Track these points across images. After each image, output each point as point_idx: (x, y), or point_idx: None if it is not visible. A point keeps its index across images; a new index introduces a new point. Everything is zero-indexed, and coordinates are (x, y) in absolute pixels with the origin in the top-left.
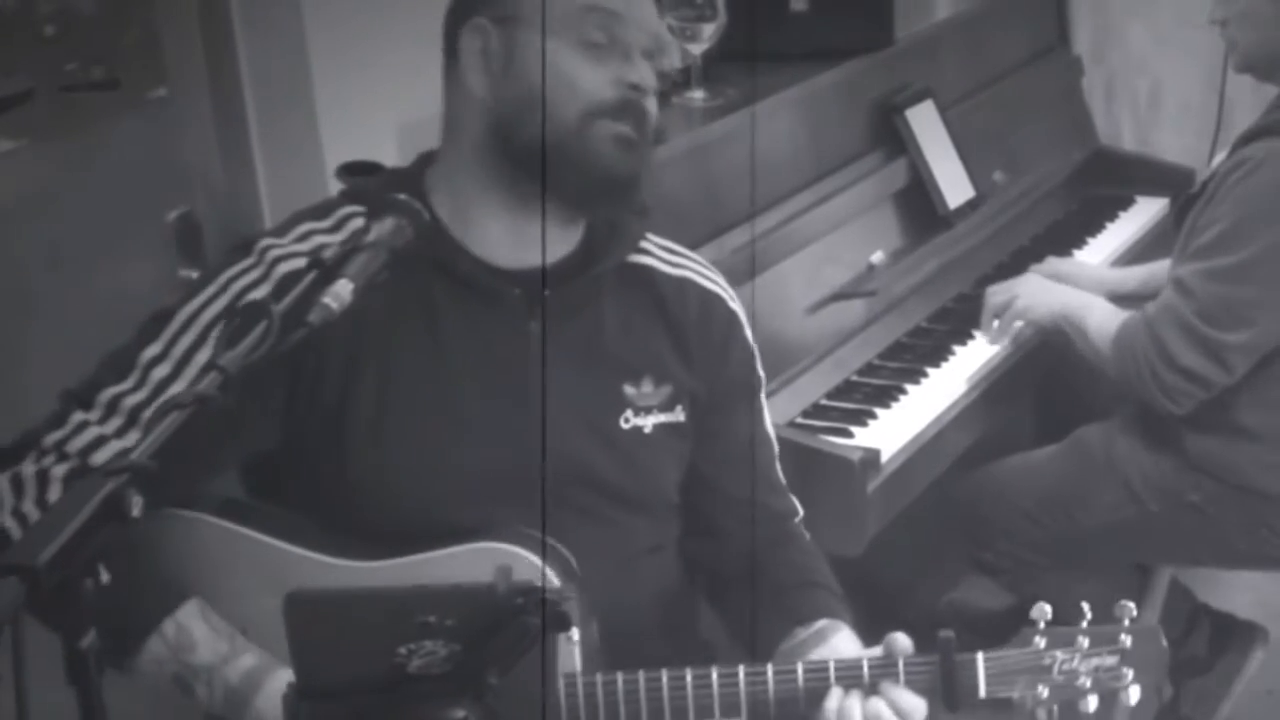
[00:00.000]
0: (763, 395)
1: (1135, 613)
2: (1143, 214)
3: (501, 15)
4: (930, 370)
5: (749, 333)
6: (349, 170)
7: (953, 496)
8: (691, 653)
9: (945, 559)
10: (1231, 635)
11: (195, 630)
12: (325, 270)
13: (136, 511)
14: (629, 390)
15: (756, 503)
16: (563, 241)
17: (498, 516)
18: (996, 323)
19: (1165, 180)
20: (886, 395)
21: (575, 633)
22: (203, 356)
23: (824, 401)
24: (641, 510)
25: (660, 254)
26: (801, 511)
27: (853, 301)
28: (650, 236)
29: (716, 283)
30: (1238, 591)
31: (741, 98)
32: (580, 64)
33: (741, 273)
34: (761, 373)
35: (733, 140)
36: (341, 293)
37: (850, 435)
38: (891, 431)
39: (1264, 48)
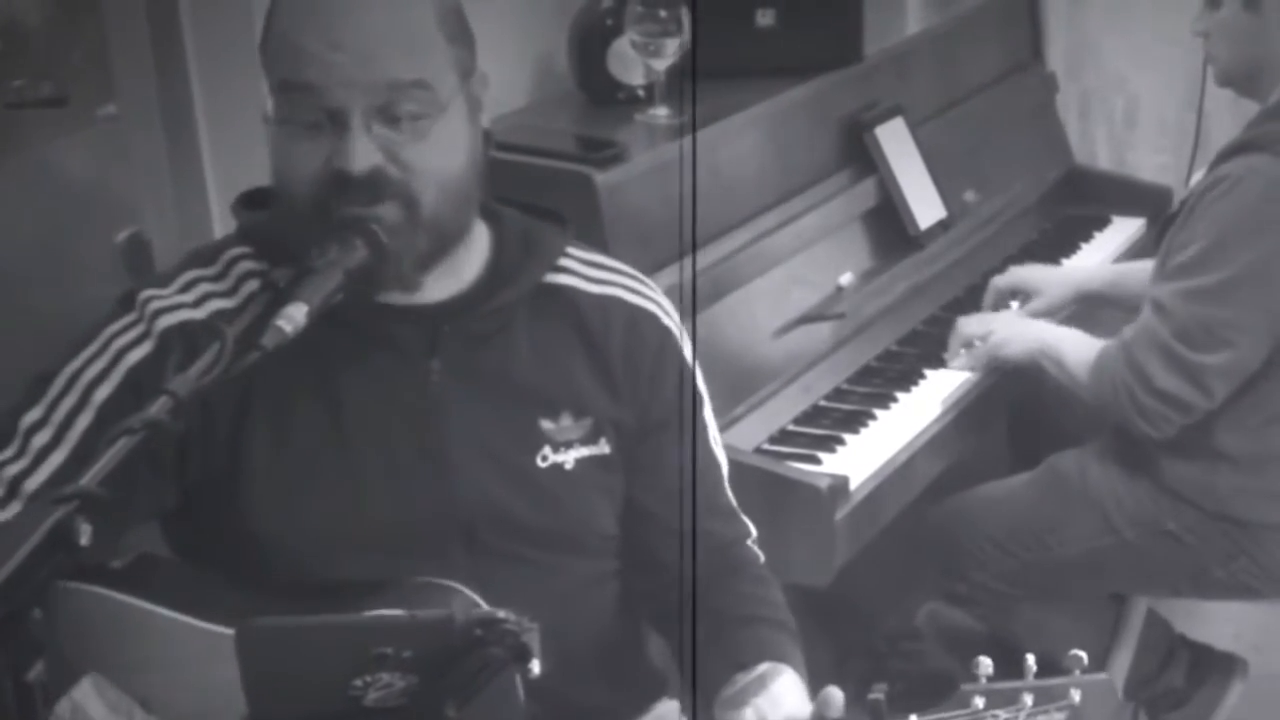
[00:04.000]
0: (706, 413)
1: (1085, 662)
2: (1119, 234)
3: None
4: (900, 395)
5: (687, 349)
6: (247, 201)
7: (923, 525)
8: (642, 684)
9: (916, 590)
10: (1210, 667)
11: (91, 708)
12: (279, 292)
13: (85, 540)
14: (546, 425)
15: (700, 531)
16: (463, 268)
17: (408, 568)
18: (964, 352)
19: (1141, 200)
20: (855, 421)
21: (536, 664)
22: (85, 420)
23: (791, 427)
24: (570, 549)
25: (583, 270)
26: (754, 533)
27: (821, 325)
28: (573, 251)
29: (648, 297)
30: (1216, 622)
31: (707, 115)
32: (290, 147)
33: (706, 295)
34: (703, 389)
35: (697, 158)
36: (295, 315)
37: (818, 462)
38: (860, 458)
39: (1242, 61)
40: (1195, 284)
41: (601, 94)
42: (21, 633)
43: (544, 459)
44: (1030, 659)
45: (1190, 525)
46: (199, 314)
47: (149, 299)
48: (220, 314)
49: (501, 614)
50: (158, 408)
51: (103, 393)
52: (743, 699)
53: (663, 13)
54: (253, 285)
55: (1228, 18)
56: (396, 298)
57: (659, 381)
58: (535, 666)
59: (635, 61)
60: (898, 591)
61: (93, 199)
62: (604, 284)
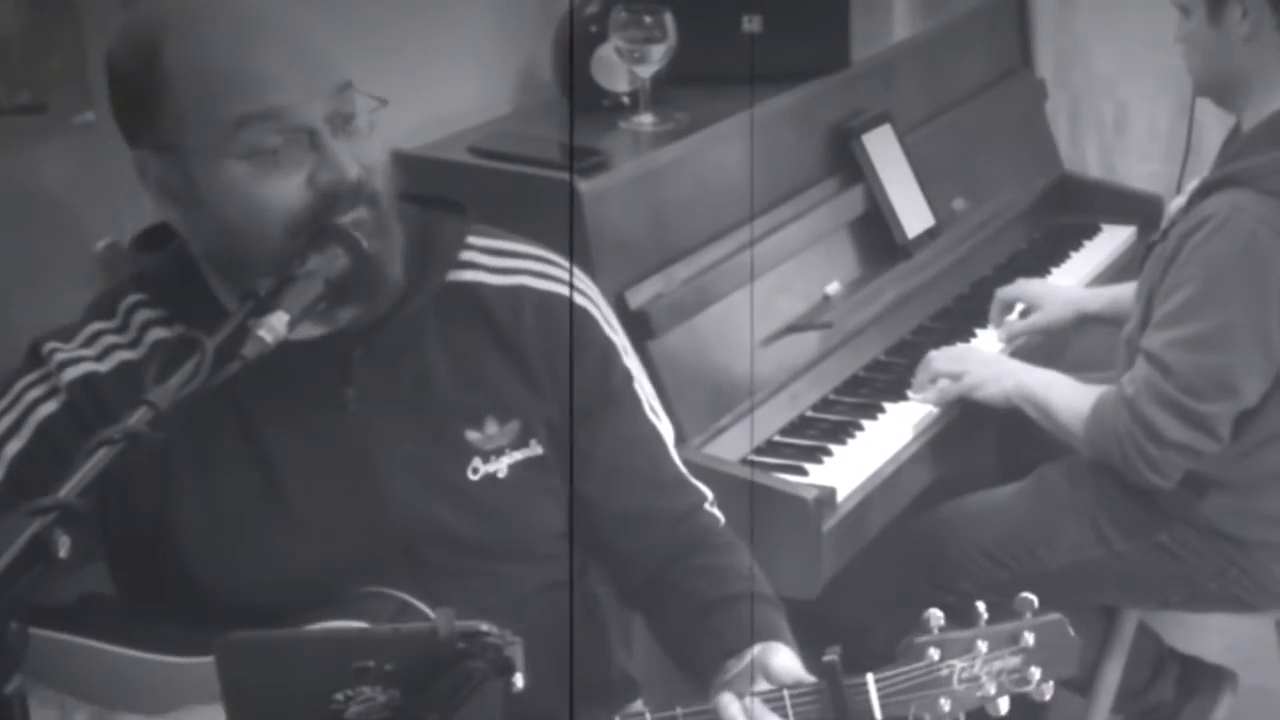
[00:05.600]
0: (637, 387)
1: (1036, 604)
2: (1108, 242)
3: (162, 145)
4: (888, 405)
5: (607, 326)
6: (143, 242)
7: (912, 536)
8: (611, 689)
9: (904, 602)
10: (1200, 679)
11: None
12: (260, 301)
13: (64, 552)
14: (472, 436)
15: (649, 511)
16: None
17: (350, 592)
18: (931, 386)
19: (1131, 208)
20: (842, 431)
21: (519, 678)
22: None
23: (777, 438)
24: (519, 557)
25: (487, 261)
26: (709, 495)
27: (807, 334)
28: (474, 241)
29: (557, 279)
30: (1206, 634)
31: (691, 122)
32: (260, 180)
33: (690, 305)
34: (631, 363)
35: (682, 166)
36: (277, 325)
37: (805, 473)
38: (848, 469)
39: (1210, 74)
40: (1192, 332)
41: (586, 101)
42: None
43: (475, 471)
44: (981, 606)
45: (1182, 538)
46: (103, 367)
47: (52, 351)
48: (125, 364)
49: (485, 627)
50: (137, 418)
51: (13, 448)
52: (743, 686)
53: (647, 19)
54: (155, 334)
55: (1195, 30)
56: (302, 331)
57: (580, 366)
58: (519, 680)
59: (620, 68)
60: (886, 603)
61: (71, 207)
62: (510, 273)
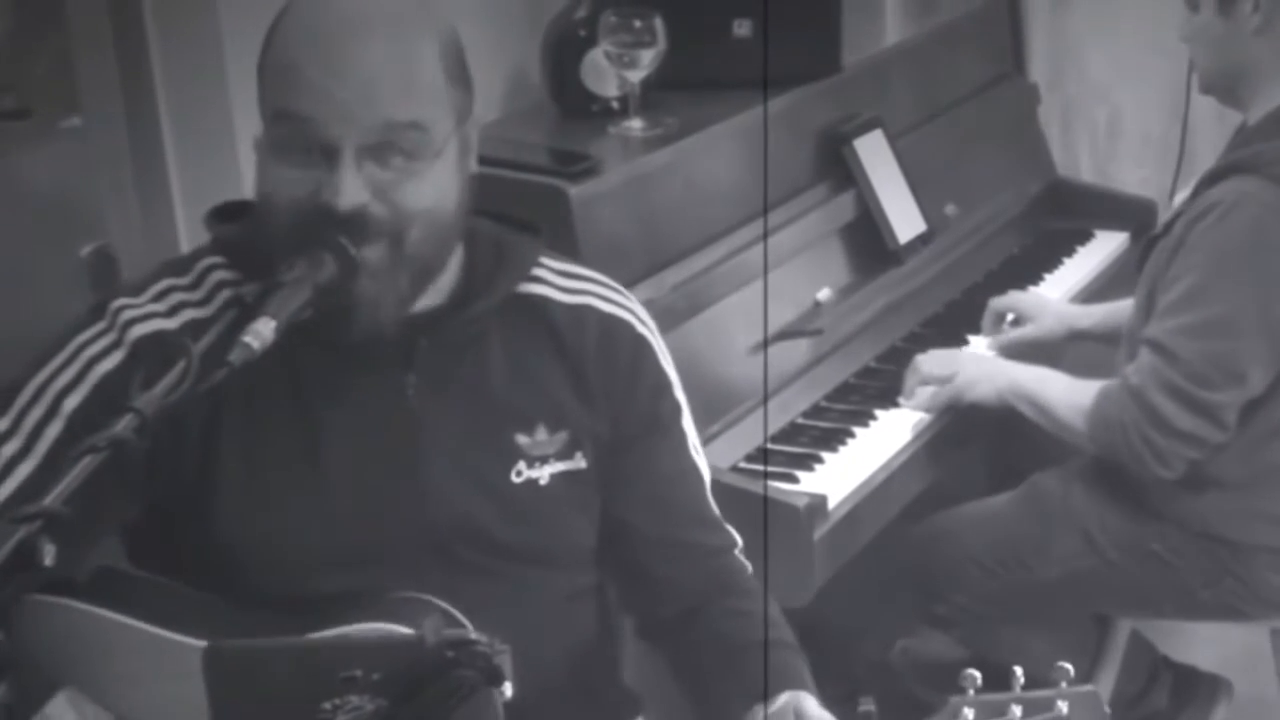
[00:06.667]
0: (685, 422)
1: (1072, 674)
2: (1102, 248)
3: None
4: (879, 412)
5: (663, 358)
6: (220, 214)
7: (903, 545)
8: (615, 704)
9: (895, 611)
10: (1194, 689)
11: None
12: (246, 308)
13: (49, 560)
14: (521, 440)
15: (688, 542)
16: (438, 281)
17: (379, 580)
18: (921, 391)
19: (1125, 213)
20: (834, 439)
21: (508, 687)
22: (54, 430)
23: (769, 445)
24: (545, 563)
25: (555, 280)
26: (740, 542)
27: (798, 341)
28: (545, 261)
29: (621, 305)
30: (1200, 644)
31: (681, 127)
32: (278, 177)
33: (682, 311)
34: (681, 398)
35: (672, 172)
36: (263, 331)
37: (796, 480)
38: (839, 476)
39: (1220, 68)
40: (1198, 318)
41: (575, 106)
42: None
43: (518, 474)
44: (1018, 670)
45: (1175, 546)
46: (172, 324)
47: (121, 308)
48: (194, 323)
49: (473, 635)
50: (123, 425)
51: (72, 402)
52: None
53: (637, 23)
54: (226, 295)
55: (1204, 23)
56: (371, 312)
57: (633, 390)
58: (508, 689)
59: (609, 73)
60: (877, 612)
61: (57, 212)
62: (577, 293)
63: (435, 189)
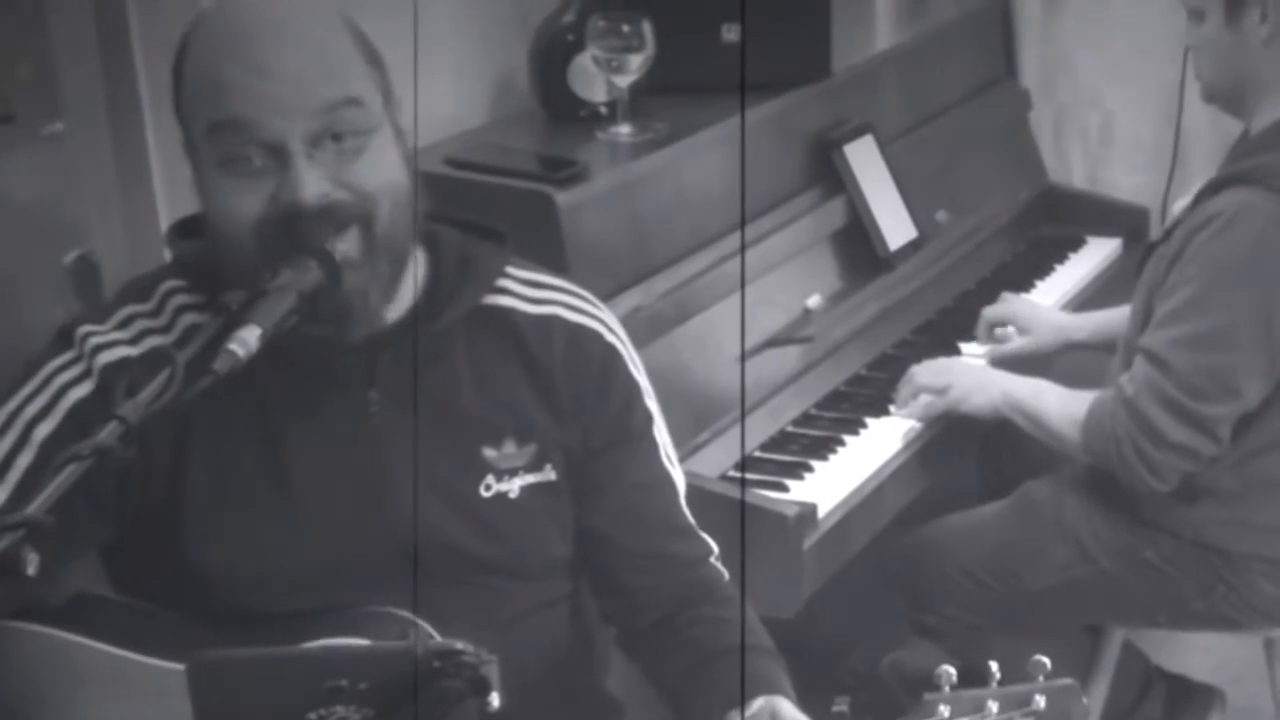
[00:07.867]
0: (657, 431)
1: (1049, 667)
2: (1094, 255)
3: (183, 137)
4: (870, 421)
5: (633, 366)
6: (182, 229)
7: (893, 555)
8: (597, 712)
9: (885, 622)
10: (1188, 699)
11: None
12: (231, 316)
13: (33, 570)
14: (489, 453)
15: (663, 553)
16: (401, 293)
17: (350, 597)
18: (915, 401)
19: (1117, 220)
20: (823, 447)
21: (495, 698)
22: (25, 459)
23: (758, 454)
24: (520, 575)
25: (522, 290)
26: (716, 549)
27: (788, 348)
28: (511, 270)
29: (589, 314)
30: (1193, 653)
31: (670, 133)
32: (228, 188)
33: (670, 318)
34: (653, 407)
35: (661, 177)
36: (248, 339)
37: (785, 489)
38: (829, 485)
39: (1224, 78)
40: (1194, 330)
41: (563, 111)
42: None
43: (487, 488)
44: (994, 665)
45: (1168, 554)
46: (136, 352)
47: (87, 335)
48: (155, 350)
49: (460, 645)
50: (107, 433)
51: (44, 430)
52: None
53: (625, 28)
54: (189, 319)
55: (1210, 34)
56: (362, 304)
57: (603, 401)
58: (495, 700)
59: (597, 78)
60: (867, 622)
61: (39, 219)
62: (544, 303)
63: (386, 162)
